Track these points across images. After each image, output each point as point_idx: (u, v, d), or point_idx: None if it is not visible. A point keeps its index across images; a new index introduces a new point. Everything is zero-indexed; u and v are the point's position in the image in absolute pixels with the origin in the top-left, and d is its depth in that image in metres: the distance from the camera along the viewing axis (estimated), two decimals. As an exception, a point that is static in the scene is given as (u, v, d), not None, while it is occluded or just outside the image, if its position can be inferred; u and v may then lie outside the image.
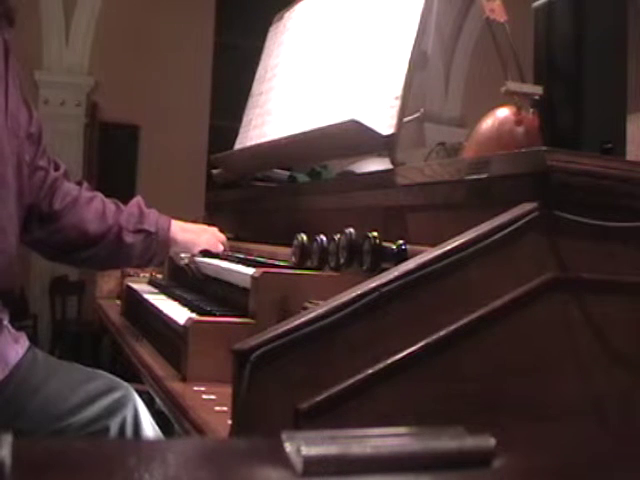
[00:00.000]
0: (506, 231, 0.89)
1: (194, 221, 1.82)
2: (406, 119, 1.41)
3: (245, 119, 2.16)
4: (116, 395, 1.39)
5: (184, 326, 1.19)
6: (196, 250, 1.71)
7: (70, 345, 6.20)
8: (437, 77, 7.76)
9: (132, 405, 1.39)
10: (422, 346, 0.83)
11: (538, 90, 1.22)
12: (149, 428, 1.41)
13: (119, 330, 1.75)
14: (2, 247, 1.36)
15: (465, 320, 0.85)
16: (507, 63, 1.30)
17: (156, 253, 1.65)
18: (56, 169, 1.59)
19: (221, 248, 1.72)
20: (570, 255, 0.92)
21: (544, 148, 0.96)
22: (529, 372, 0.89)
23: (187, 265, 1.72)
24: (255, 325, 1.17)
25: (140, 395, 1.47)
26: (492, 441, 0.44)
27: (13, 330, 1.40)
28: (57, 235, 1.57)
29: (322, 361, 0.79)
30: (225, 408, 0.97)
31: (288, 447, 0.42)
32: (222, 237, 1.76)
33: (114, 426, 1.35)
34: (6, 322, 1.39)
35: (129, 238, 1.59)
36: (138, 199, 1.67)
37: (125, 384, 1.44)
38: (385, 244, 1.15)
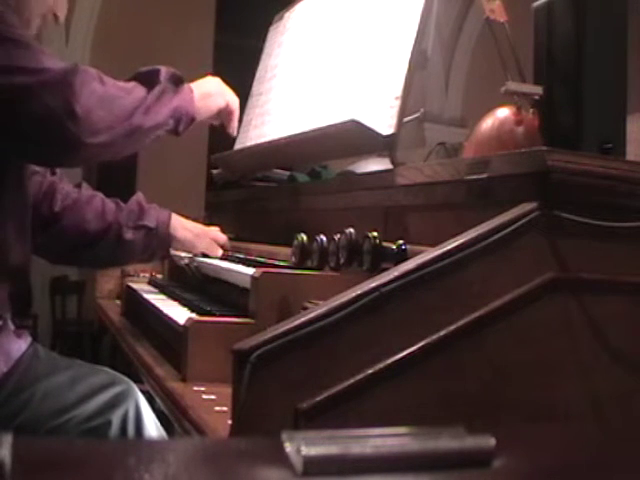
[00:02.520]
0: (506, 231, 0.89)
1: (196, 220, 1.81)
2: (406, 119, 1.42)
3: (245, 119, 2.16)
4: (117, 389, 1.39)
5: (184, 326, 1.19)
6: (194, 252, 1.72)
7: (70, 345, 6.19)
8: (437, 77, 7.76)
9: (134, 399, 1.39)
10: (422, 346, 0.83)
11: (538, 90, 1.22)
12: (151, 423, 1.40)
13: (119, 330, 1.75)
14: (24, 242, 1.41)
15: (465, 320, 0.85)
16: (507, 63, 1.30)
17: (158, 248, 1.65)
18: (52, 174, 1.62)
19: (219, 253, 1.72)
20: (570, 255, 0.92)
21: (544, 148, 0.96)
22: (529, 372, 0.89)
23: (187, 265, 1.72)
24: (255, 325, 1.17)
25: (140, 394, 1.47)
26: (492, 441, 0.44)
27: (15, 327, 1.41)
28: (59, 237, 1.60)
29: (322, 361, 0.79)
30: (225, 408, 0.97)
31: (288, 447, 0.42)
32: (223, 238, 1.76)
33: (116, 420, 1.35)
34: (9, 319, 1.39)
35: (129, 235, 1.60)
36: (138, 196, 1.68)
37: (126, 379, 1.44)
38: (385, 244, 1.15)
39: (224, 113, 1.58)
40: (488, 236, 0.88)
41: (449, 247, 0.87)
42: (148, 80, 1.37)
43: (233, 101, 1.58)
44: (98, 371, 1.48)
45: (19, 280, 1.41)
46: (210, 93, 1.52)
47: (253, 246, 1.79)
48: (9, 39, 1.25)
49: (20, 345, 1.39)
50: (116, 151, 1.34)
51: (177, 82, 1.41)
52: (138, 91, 1.35)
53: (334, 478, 0.41)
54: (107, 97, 1.28)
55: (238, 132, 2.18)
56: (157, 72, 1.39)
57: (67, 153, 1.31)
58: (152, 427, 1.40)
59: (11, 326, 1.40)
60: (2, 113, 1.24)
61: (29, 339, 1.44)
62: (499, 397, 0.87)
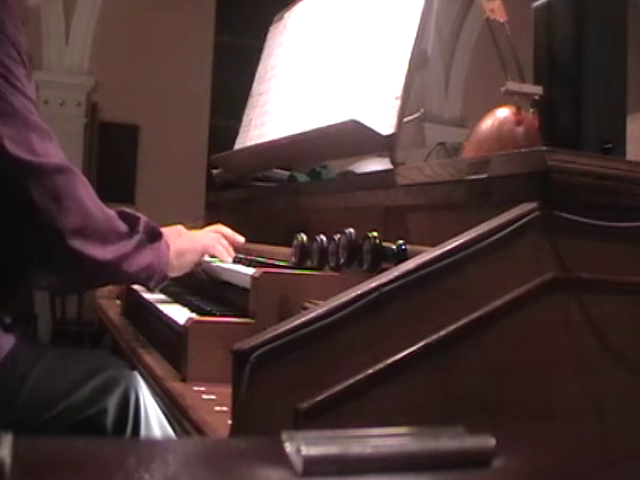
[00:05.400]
0: (506, 231, 0.89)
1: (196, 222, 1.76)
2: (406, 119, 1.41)
3: (245, 119, 2.17)
4: (110, 372, 1.35)
5: (184, 326, 1.19)
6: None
7: (70, 345, 6.19)
8: (437, 77, 7.76)
9: (130, 384, 1.35)
10: (422, 346, 0.83)
11: (538, 90, 1.22)
12: (153, 412, 1.37)
13: (119, 330, 1.75)
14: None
15: (465, 320, 0.85)
16: (507, 63, 1.30)
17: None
18: None
19: (230, 260, 1.60)
20: (570, 255, 0.92)
21: (544, 148, 0.96)
22: (529, 372, 0.89)
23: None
24: (255, 325, 1.17)
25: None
26: (492, 441, 0.44)
27: (5, 321, 1.40)
28: None
29: (322, 361, 0.79)
30: (225, 408, 0.97)
31: (288, 447, 0.42)
32: (228, 238, 1.63)
33: (112, 406, 1.32)
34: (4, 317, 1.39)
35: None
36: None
37: (122, 363, 1.41)
38: (385, 244, 1.15)
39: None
40: (488, 236, 0.88)
41: (449, 247, 0.87)
42: (127, 221, 1.35)
43: (212, 246, 1.55)
44: (90, 356, 1.46)
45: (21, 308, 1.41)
46: (183, 251, 1.49)
47: (253, 246, 1.78)
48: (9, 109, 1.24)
49: (9, 339, 1.38)
50: (82, 269, 1.29)
51: (155, 237, 1.39)
52: (118, 224, 1.33)
53: (334, 478, 0.41)
54: (87, 211, 1.27)
55: (238, 132, 2.19)
56: (137, 219, 1.36)
57: (36, 245, 1.28)
58: (153, 416, 1.36)
59: (1, 320, 1.39)
60: None
61: (18, 333, 1.43)
62: (499, 397, 0.87)
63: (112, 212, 1.34)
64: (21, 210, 1.25)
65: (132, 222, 1.35)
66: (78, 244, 1.25)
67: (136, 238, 1.34)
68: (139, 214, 1.38)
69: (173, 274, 1.47)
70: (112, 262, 1.30)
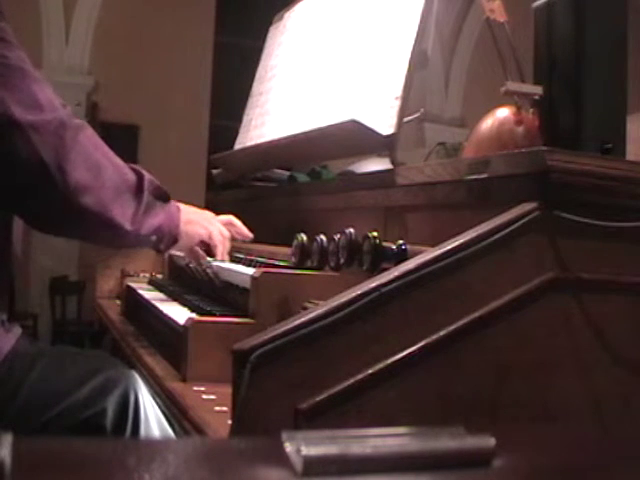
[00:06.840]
0: (506, 231, 0.89)
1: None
2: (406, 119, 1.42)
3: (245, 119, 2.17)
4: (109, 373, 1.35)
5: (184, 326, 1.19)
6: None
7: (70, 345, 6.19)
8: (437, 77, 7.76)
9: (129, 384, 1.34)
10: (422, 346, 0.83)
11: (538, 90, 1.22)
12: (152, 413, 1.36)
13: (119, 330, 1.75)
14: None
15: (465, 320, 0.85)
16: (507, 63, 1.30)
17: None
18: None
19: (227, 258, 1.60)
20: (570, 255, 0.92)
21: (544, 148, 0.96)
22: (529, 372, 0.89)
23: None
24: (255, 325, 1.17)
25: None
26: (492, 441, 0.44)
27: (6, 321, 1.39)
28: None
29: (322, 361, 0.79)
30: (225, 408, 0.97)
31: (288, 447, 0.42)
32: (237, 228, 1.65)
33: (111, 406, 1.31)
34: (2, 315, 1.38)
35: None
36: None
37: (121, 363, 1.41)
38: (385, 244, 1.15)
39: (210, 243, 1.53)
40: (488, 236, 0.88)
41: (449, 247, 0.87)
42: (135, 173, 1.33)
43: (216, 235, 1.52)
44: (89, 356, 1.46)
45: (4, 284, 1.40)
46: (192, 221, 1.47)
47: (253, 246, 1.79)
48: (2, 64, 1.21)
49: (9, 339, 1.38)
50: (91, 224, 1.26)
51: (164, 198, 1.37)
52: (127, 173, 1.30)
53: (334, 478, 0.41)
54: (95, 161, 1.25)
55: (238, 132, 2.19)
56: (142, 176, 1.33)
57: (48, 203, 1.24)
58: (152, 416, 1.35)
59: (2, 320, 1.38)
60: None
61: (18, 333, 1.43)
62: (499, 397, 0.87)
63: (121, 161, 1.32)
64: (29, 168, 1.21)
65: (139, 176, 1.33)
66: (88, 200, 1.22)
67: (145, 197, 1.32)
68: (142, 171, 1.36)
69: (181, 240, 1.45)
70: (122, 223, 1.27)
